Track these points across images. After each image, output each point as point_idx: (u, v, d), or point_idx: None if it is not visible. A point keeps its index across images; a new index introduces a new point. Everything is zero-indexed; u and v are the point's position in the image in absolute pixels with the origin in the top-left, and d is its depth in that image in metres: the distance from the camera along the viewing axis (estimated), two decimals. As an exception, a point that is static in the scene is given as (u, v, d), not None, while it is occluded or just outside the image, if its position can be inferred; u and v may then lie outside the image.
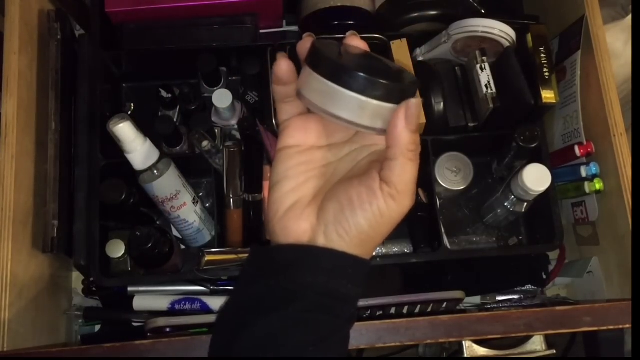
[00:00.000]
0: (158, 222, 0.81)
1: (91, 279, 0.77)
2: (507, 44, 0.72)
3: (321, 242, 0.40)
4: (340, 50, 0.42)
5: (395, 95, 0.39)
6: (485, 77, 0.72)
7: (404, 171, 0.39)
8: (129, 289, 0.75)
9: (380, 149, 0.42)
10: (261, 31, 0.81)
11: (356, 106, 0.38)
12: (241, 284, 0.44)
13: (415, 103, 0.38)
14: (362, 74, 0.37)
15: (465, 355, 0.69)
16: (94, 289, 0.78)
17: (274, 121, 0.72)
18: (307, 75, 0.40)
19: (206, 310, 0.74)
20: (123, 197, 0.70)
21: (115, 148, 0.66)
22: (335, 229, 0.39)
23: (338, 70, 0.38)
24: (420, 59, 0.77)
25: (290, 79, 0.42)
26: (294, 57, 0.79)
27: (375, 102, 0.38)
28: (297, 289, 0.39)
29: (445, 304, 0.69)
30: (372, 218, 0.39)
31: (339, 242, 0.39)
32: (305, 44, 0.41)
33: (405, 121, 0.38)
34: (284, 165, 0.42)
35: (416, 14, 0.78)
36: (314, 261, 0.39)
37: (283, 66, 0.42)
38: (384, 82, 0.38)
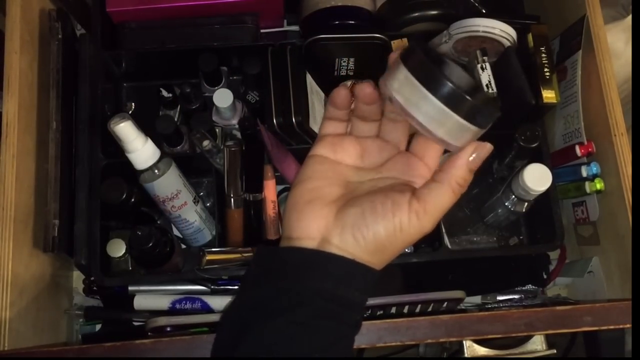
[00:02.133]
0: (159, 222, 0.81)
1: (92, 279, 0.77)
2: (507, 43, 0.72)
3: (335, 242, 0.40)
4: (435, 56, 0.41)
5: (478, 116, 0.38)
6: (486, 76, 0.72)
7: (441, 197, 0.39)
8: (130, 288, 0.75)
9: (401, 182, 0.43)
10: (262, 31, 0.82)
11: (437, 115, 0.38)
12: (247, 284, 0.44)
13: (488, 148, 0.40)
14: (452, 85, 0.37)
15: (466, 355, 0.69)
16: (94, 288, 0.78)
17: (274, 121, 0.72)
18: (397, 71, 0.39)
19: (207, 309, 0.74)
20: (124, 196, 0.70)
21: (116, 147, 0.66)
22: (352, 232, 0.39)
23: (430, 74, 0.37)
24: (421, 58, 0.77)
25: (344, 107, 0.44)
26: (293, 57, 0.79)
27: (456, 116, 0.38)
28: (305, 293, 0.39)
29: (445, 303, 0.69)
30: (392, 229, 0.39)
31: (353, 245, 0.39)
32: (367, 90, 0.42)
33: (471, 159, 0.39)
34: (311, 168, 0.44)
35: (417, 14, 0.78)
36: (323, 267, 0.39)
37: (342, 95, 0.43)
38: (470, 99, 0.37)
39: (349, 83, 0.44)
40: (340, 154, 0.44)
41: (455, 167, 0.39)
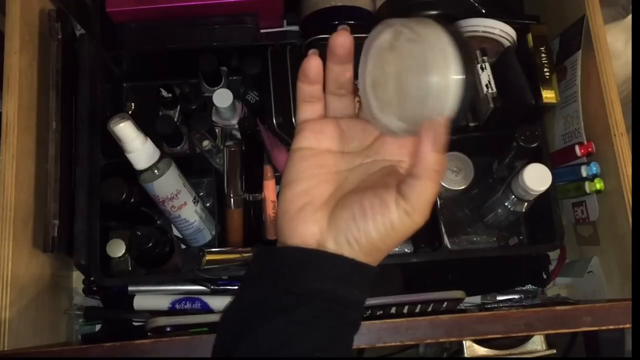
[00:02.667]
0: (158, 222, 0.81)
1: (92, 279, 0.77)
2: (507, 43, 0.72)
3: (331, 247, 0.39)
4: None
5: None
6: (485, 76, 0.72)
7: (425, 191, 0.38)
8: (130, 288, 0.75)
9: (392, 165, 0.42)
10: (262, 31, 0.81)
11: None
12: (246, 284, 0.44)
13: (441, 124, 0.37)
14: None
15: (466, 355, 0.69)
16: (94, 288, 0.78)
17: (274, 121, 0.72)
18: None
19: (207, 309, 0.74)
20: (123, 196, 0.70)
21: (115, 148, 0.66)
22: (345, 236, 0.39)
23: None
24: (421, 58, 0.77)
25: (317, 79, 0.42)
26: (293, 57, 0.79)
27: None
28: (304, 293, 0.39)
29: (445, 303, 0.69)
30: (383, 230, 0.38)
31: (348, 248, 0.39)
32: (340, 38, 0.40)
33: (432, 142, 0.37)
34: (296, 166, 0.42)
35: (417, 14, 0.78)
36: (322, 267, 0.39)
37: (313, 65, 0.41)
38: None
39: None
40: (324, 140, 0.42)
41: (424, 155, 0.38)
